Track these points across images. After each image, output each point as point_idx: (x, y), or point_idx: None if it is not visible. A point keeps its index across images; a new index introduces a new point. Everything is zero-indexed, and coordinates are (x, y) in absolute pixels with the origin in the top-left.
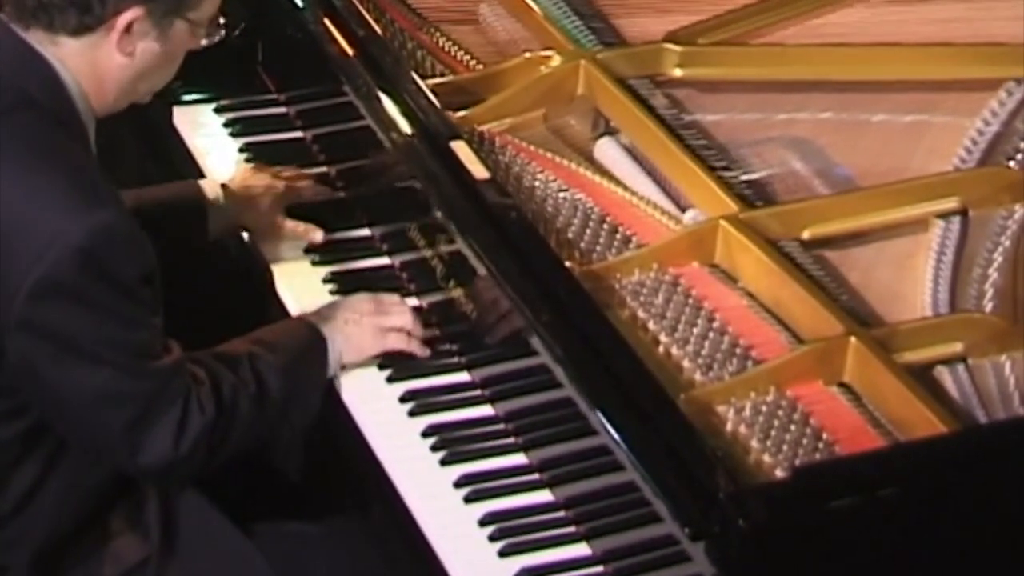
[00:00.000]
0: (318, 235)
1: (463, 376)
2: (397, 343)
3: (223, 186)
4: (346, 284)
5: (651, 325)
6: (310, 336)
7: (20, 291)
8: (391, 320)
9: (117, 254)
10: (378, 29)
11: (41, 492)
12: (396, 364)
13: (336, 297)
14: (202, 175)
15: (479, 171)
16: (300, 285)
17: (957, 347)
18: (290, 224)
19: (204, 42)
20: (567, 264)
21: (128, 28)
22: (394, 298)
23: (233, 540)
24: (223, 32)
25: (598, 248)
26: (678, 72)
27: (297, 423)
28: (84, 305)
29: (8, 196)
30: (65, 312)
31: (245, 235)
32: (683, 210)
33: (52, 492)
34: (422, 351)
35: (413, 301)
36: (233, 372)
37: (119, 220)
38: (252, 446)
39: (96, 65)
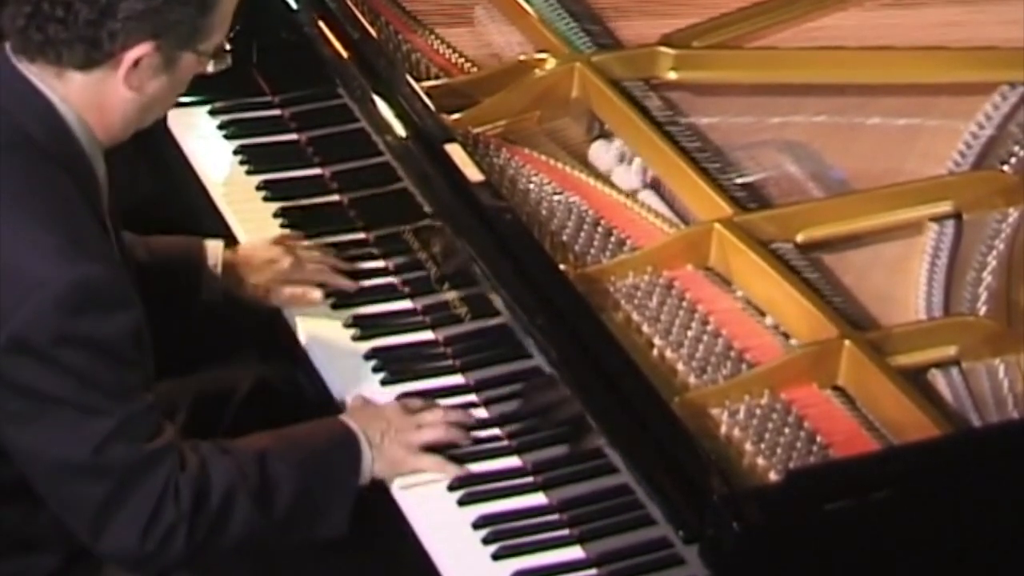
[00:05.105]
0: (317, 295)
1: (456, 379)
2: (432, 465)
3: (226, 250)
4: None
5: (645, 328)
6: (342, 436)
7: None
8: (424, 436)
9: (98, 310)
10: (372, 31)
11: (32, 529)
12: (390, 368)
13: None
14: (196, 178)
15: (473, 174)
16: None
17: (951, 350)
18: (287, 293)
19: (211, 69)
20: (562, 267)
21: (136, 63)
22: (429, 410)
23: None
24: (229, 60)
25: (592, 251)
26: (673, 75)
27: (317, 529)
28: (58, 365)
29: None
30: (38, 370)
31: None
32: (678, 213)
33: (43, 527)
34: (459, 471)
35: (407, 304)
36: (234, 463)
37: (104, 274)
38: (269, 539)
39: (102, 98)
